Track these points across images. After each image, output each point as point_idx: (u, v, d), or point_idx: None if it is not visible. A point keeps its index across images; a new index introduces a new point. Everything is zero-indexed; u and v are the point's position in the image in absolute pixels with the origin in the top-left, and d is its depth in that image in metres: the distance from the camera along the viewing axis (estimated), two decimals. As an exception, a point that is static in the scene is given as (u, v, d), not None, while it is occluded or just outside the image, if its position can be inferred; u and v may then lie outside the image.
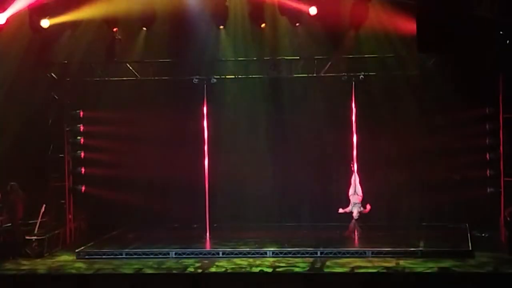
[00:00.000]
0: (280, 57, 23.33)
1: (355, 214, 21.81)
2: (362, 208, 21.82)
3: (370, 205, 21.80)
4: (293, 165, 24.67)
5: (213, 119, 23.51)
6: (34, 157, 23.38)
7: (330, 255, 20.29)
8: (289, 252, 20.51)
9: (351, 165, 22.43)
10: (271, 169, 24.71)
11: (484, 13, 19.05)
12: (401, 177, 23.96)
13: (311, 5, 21.61)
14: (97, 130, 24.25)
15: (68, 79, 23.73)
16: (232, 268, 19.40)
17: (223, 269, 19.35)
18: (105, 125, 24.29)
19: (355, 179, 22.26)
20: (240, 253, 20.67)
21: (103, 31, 22.58)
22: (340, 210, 22.29)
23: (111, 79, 23.75)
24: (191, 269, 19.44)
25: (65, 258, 21.13)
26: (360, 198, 22.05)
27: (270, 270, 19.21)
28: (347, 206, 21.93)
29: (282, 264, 19.65)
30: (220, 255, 20.62)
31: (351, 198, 22.11)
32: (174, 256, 20.68)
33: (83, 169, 23.98)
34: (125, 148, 24.63)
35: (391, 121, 23.89)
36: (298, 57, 23.30)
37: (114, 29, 22.65)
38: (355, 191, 22.14)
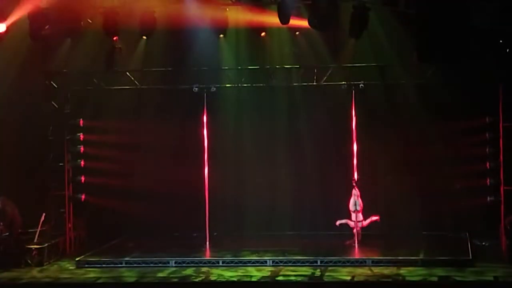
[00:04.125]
0: (280, 66, 23.35)
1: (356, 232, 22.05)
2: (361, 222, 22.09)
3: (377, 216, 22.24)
4: (293, 173, 24.66)
5: (213, 128, 23.52)
6: (34, 165, 23.37)
7: (330, 264, 20.27)
8: (289, 261, 20.48)
9: (353, 179, 22.43)
10: (271, 178, 24.69)
11: (484, 22, 19.10)
12: (401, 186, 23.93)
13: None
14: (97, 139, 24.24)
15: (68, 88, 23.73)
16: (232, 277, 19.38)
17: (223, 278, 19.32)
18: (105, 134, 24.30)
19: (356, 192, 22.31)
20: (240, 262, 20.65)
21: (103, 39, 22.58)
22: (338, 222, 22.39)
23: (111, 87, 23.79)
24: (191, 278, 19.42)
25: (65, 267, 21.12)
26: (360, 209, 22.16)
27: (270, 279, 19.19)
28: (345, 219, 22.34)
29: (282, 273, 19.62)
30: (220, 264, 20.59)
31: (352, 212, 22.22)
32: (174, 265, 20.65)
33: (83, 178, 23.95)
34: (125, 157, 24.61)
35: (391, 130, 23.88)
36: (298, 66, 23.33)
37: (114, 38, 22.67)
38: (355, 205, 22.21)
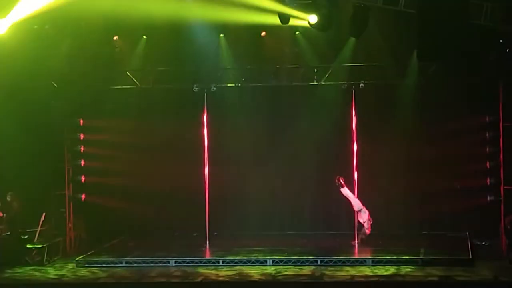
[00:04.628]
0: (280, 66, 23.34)
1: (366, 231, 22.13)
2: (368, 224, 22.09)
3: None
4: (293, 173, 24.66)
5: (213, 127, 23.53)
6: (34, 165, 23.36)
7: (331, 264, 20.27)
8: (290, 261, 20.48)
9: (337, 180, 22.39)
10: (271, 177, 24.70)
11: (484, 21, 19.11)
12: (401, 185, 23.94)
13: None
14: (97, 139, 24.25)
15: (68, 87, 23.74)
16: (232, 277, 19.38)
17: (223, 278, 19.32)
18: (105, 134, 24.30)
19: (348, 193, 22.29)
20: (240, 261, 20.65)
21: (103, 39, 22.58)
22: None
23: (111, 87, 23.78)
24: (191, 278, 19.42)
25: (65, 266, 21.10)
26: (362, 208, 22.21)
27: (270, 278, 19.19)
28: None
29: (283, 273, 19.62)
30: (220, 264, 20.59)
31: (362, 214, 22.20)
32: (174, 264, 20.65)
33: (83, 178, 23.97)
34: (125, 157, 24.63)
35: (391, 130, 23.85)
36: (298, 66, 23.32)
37: (114, 37, 22.66)
38: (356, 204, 22.24)
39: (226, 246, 22.53)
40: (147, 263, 20.72)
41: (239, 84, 23.57)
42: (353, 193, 22.51)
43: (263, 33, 22.95)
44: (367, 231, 22.23)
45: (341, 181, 22.34)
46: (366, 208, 22.30)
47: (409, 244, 22.10)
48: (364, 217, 22.26)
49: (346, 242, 22.51)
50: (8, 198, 21.74)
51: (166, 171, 24.62)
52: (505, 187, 22.10)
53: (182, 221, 24.60)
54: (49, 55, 22.58)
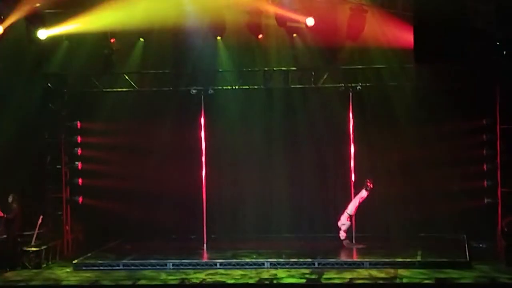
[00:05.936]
0: (277, 68, 23.35)
1: (342, 235, 22.01)
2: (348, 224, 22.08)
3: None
4: (290, 175, 24.66)
5: (211, 130, 23.52)
6: (31, 168, 23.36)
7: (328, 266, 20.27)
8: (287, 263, 20.48)
9: (367, 182, 22.35)
10: (269, 180, 24.69)
11: (481, 24, 19.12)
12: (399, 188, 23.94)
13: (308, 16, 21.65)
14: (94, 141, 24.23)
15: (65, 90, 23.75)
16: (230, 279, 19.38)
17: (221, 280, 19.31)
18: (102, 136, 24.27)
19: (361, 196, 22.28)
20: (238, 264, 20.64)
21: (101, 41, 22.59)
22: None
23: (108, 90, 23.79)
24: (188, 281, 19.41)
25: (62, 269, 21.08)
26: (348, 217, 22.19)
27: (268, 281, 19.18)
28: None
29: (280, 275, 19.62)
30: (218, 266, 20.58)
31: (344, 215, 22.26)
32: (171, 267, 20.63)
33: (80, 180, 23.94)
34: (122, 159, 24.60)
35: (388, 132, 23.88)
36: (295, 68, 23.33)
37: (112, 40, 22.66)
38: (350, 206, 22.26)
39: (223, 248, 22.53)
40: (145, 266, 20.71)
41: (237, 87, 23.57)
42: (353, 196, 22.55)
43: (260, 36, 22.94)
44: (343, 235, 22.22)
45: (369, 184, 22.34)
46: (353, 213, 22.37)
47: (406, 246, 22.12)
48: (343, 219, 22.23)
49: (343, 245, 22.48)
50: (10, 200, 21.73)
51: (164, 173, 24.59)
52: (502, 189, 22.11)
53: (179, 223, 24.59)
54: (47, 57, 22.61)
